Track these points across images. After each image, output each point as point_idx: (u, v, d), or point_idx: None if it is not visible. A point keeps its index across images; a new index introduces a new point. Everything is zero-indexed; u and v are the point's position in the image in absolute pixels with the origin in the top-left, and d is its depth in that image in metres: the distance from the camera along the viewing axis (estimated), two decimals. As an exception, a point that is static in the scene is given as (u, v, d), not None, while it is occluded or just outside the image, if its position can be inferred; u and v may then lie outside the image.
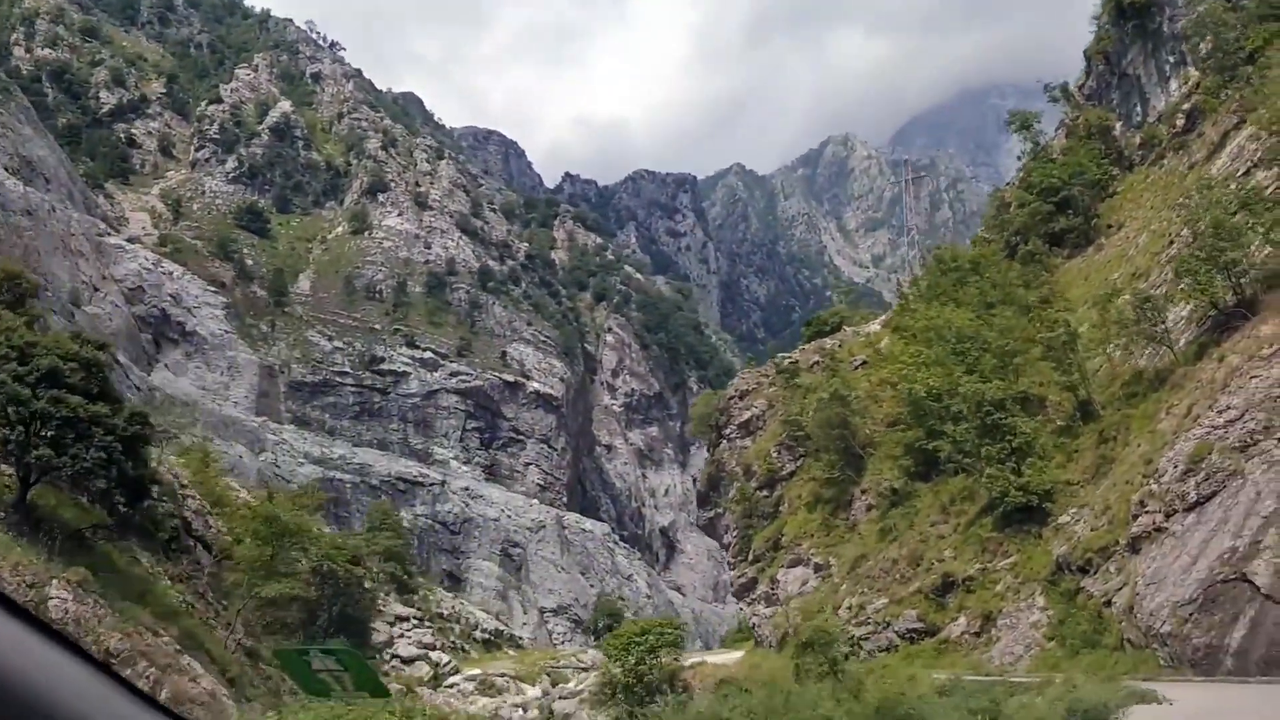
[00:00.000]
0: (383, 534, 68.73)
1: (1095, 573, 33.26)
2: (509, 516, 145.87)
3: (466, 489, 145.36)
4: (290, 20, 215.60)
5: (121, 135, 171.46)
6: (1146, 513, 32.08)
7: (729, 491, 53.36)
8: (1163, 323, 37.88)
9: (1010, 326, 42.72)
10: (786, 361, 56.94)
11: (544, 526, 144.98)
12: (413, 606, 66.49)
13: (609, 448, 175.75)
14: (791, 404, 49.66)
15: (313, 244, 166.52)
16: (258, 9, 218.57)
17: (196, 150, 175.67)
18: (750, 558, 49.90)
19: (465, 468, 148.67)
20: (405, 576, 67.79)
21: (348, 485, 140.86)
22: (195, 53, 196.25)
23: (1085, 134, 56.52)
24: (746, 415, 54.02)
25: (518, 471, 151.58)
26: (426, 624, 65.64)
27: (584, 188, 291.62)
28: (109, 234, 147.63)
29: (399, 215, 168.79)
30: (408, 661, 62.76)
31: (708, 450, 62.01)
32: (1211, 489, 30.26)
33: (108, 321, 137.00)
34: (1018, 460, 37.59)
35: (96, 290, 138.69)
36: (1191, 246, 35.86)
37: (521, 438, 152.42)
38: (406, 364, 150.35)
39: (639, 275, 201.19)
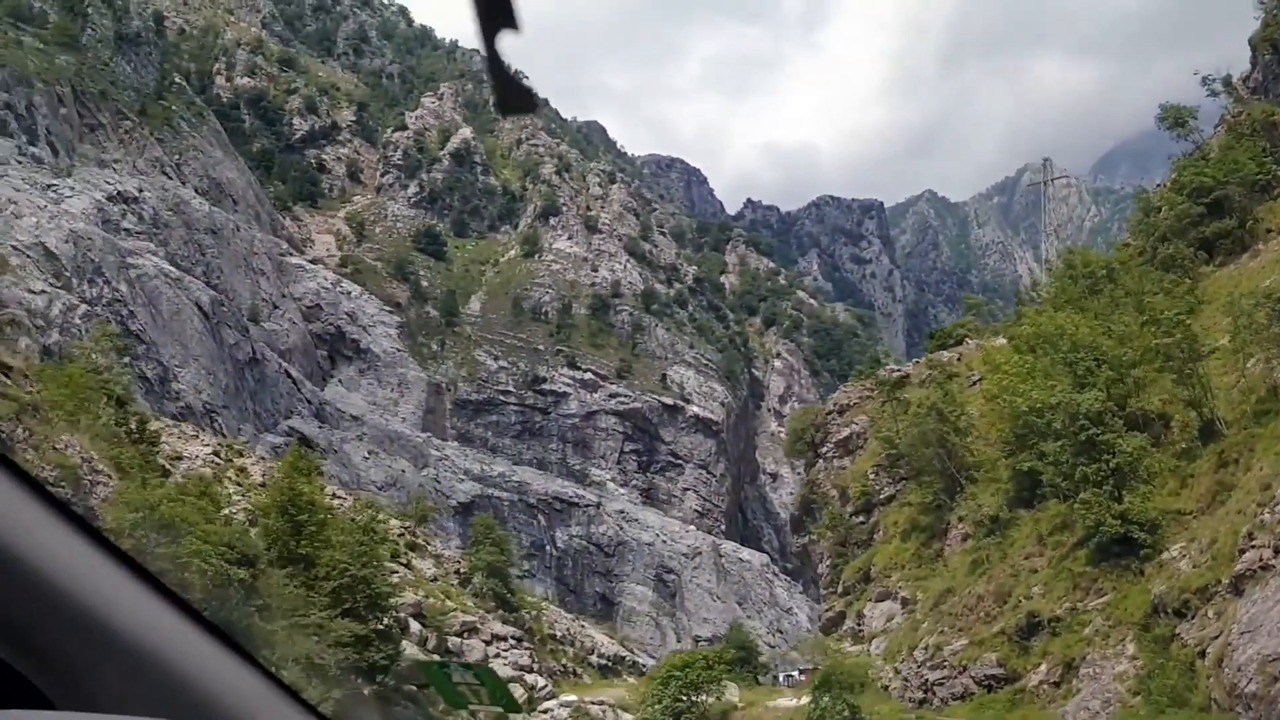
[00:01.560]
0: (485, 548, 66.87)
1: (1193, 617, 28.01)
2: (664, 542, 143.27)
3: (622, 512, 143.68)
4: (477, 51, 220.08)
5: (312, 160, 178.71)
6: (1254, 547, 26.77)
7: (823, 517, 49.10)
8: (1300, 327, 32.17)
9: (1130, 334, 37.30)
10: (895, 374, 52.20)
11: (700, 554, 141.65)
12: (513, 625, 64.24)
13: (774, 476, 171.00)
14: (892, 421, 45.13)
15: (486, 266, 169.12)
16: (447, 40, 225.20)
17: (381, 175, 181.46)
18: (840, 590, 45.59)
19: (622, 490, 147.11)
20: (508, 594, 65.63)
21: (505, 503, 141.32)
22: (386, 82, 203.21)
23: (1249, 130, 49.90)
24: (845, 433, 49.59)
25: (675, 496, 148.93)
26: (526, 645, 63.26)
27: (765, 214, 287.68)
28: (290, 254, 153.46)
29: (569, 238, 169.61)
30: (502, 682, 60.50)
31: (804, 470, 57.67)
32: (1330, 520, 24.85)
33: (285, 337, 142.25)
34: (1117, 485, 32.41)
35: (276, 308, 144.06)
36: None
37: (680, 462, 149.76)
38: (567, 384, 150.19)
39: (812, 300, 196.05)
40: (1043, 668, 31.58)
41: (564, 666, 69.97)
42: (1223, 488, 31.19)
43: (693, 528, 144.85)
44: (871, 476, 46.37)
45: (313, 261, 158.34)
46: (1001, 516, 38.46)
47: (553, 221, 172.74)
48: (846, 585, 45.22)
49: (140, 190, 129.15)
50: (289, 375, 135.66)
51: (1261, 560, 26.20)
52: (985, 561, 37.53)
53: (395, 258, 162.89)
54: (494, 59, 1.31)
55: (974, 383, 46.70)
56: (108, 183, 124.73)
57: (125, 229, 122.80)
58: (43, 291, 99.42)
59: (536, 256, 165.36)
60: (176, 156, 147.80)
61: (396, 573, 62.53)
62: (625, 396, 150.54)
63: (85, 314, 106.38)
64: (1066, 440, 33.97)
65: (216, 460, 60.74)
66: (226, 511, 53.43)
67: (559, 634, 75.10)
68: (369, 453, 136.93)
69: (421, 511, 73.43)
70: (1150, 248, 48.45)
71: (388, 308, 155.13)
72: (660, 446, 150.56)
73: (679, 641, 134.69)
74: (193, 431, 64.59)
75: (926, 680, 34.82)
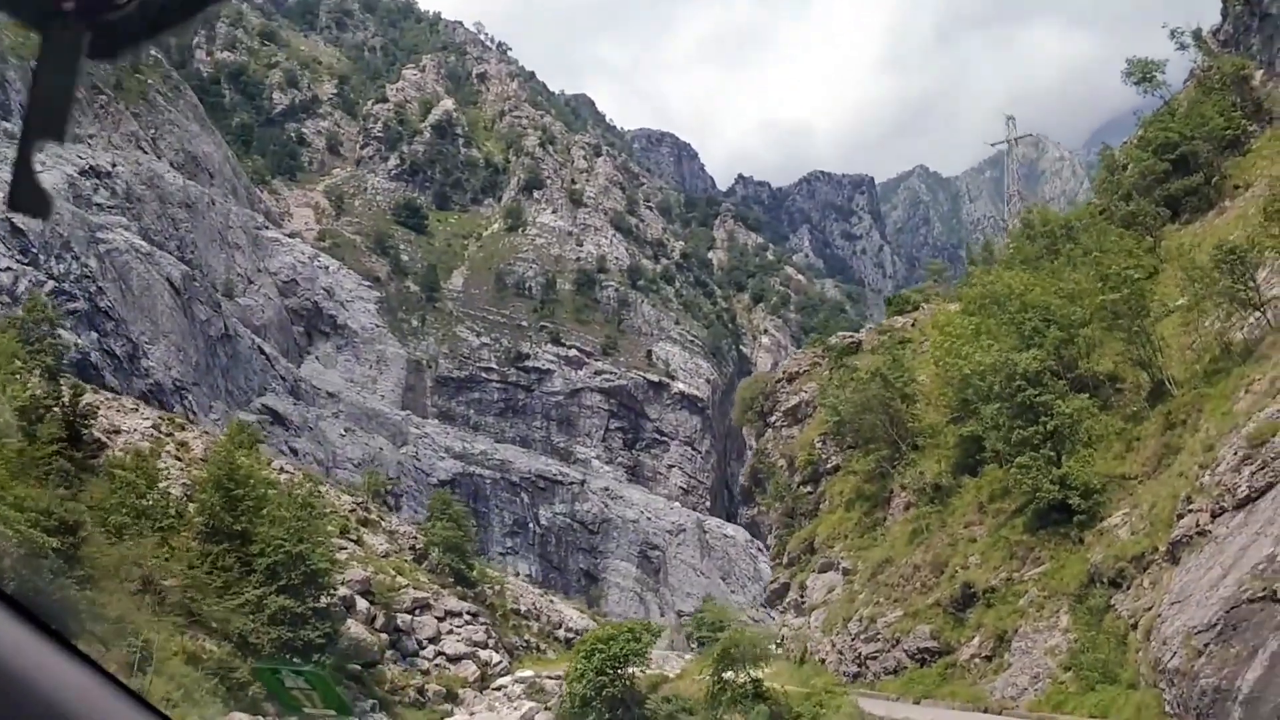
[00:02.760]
0: (442, 524, 65.06)
1: (1128, 588, 26.06)
2: (648, 519, 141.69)
3: (606, 489, 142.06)
4: (460, 23, 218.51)
5: (291, 134, 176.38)
6: (1191, 512, 24.81)
7: (770, 488, 47.10)
8: (1253, 281, 30.11)
9: (1080, 293, 35.21)
10: (847, 340, 50.13)
11: (684, 530, 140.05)
12: (469, 601, 62.50)
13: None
14: (839, 389, 43.11)
15: (468, 240, 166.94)
16: (430, 13, 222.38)
17: (361, 148, 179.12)
18: (785, 561, 43.72)
19: (607, 468, 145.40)
20: (465, 569, 63.82)
21: (487, 481, 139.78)
22: (369, 55, 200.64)
23: (1218, 84, 47.62)
24: (794, 401, 47.57)
25: (660, 473, 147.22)
26: (482, 620, 61.56)
27: (757, 189, 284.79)
28: (267, 227, 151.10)
29: (553, 212, 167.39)
30: (454, 660, 58.85)
31: (754, 440, 55.68)
32: (1268, 480, 22.87)
33: (260, 313, 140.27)
34: (1055, 448, 30.43)
35: (251, 283, 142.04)
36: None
37: (665, 439, 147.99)
38: (551, 361, 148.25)
39: (801, 276, 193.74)
40: (975, 641, 29.69)
41: (526, 642, 68.33)
42: (1169, 451, 29.22)
43: (677, 504, 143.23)
44: (818, 445, 44.36)
45: (290, 235, 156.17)
46: (944, 484, 36.49)
47: (536, 195, 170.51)
48: (791, 556, 43.36)
49: (114, 165, 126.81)
50: (262, 352, 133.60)
51: (1198, 525, 24.25)
52: (925, 531, 35.58)
53: (375, 232, 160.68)
54: (24, 157, 1.26)
55: (939, 356, 44.69)
56: (80, 157, 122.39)
57: (97, 204, 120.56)
58: (8, 268, 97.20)
59: (520, 231, 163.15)
60: (152, 131, 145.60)
61: (345, 549, 60.86)
62: (610, 374, 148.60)
63: (53, 290, 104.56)
64: (1004, 403, 31.96)
65: (156, 434, 58.85)
66: (163, 485, 51.81)
67: (523, 609, 73.48)
68: (346, 430, 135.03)
69: (375, 486, 71.62)
70: (1113, 206, 46.29)
71: (366, 282, 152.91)
72: (645, 424, 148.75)
73: (662, 616, 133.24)
74: (132, 405, 62.54)
75: (860, 653, 32.98)
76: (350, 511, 65.08)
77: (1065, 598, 27.74)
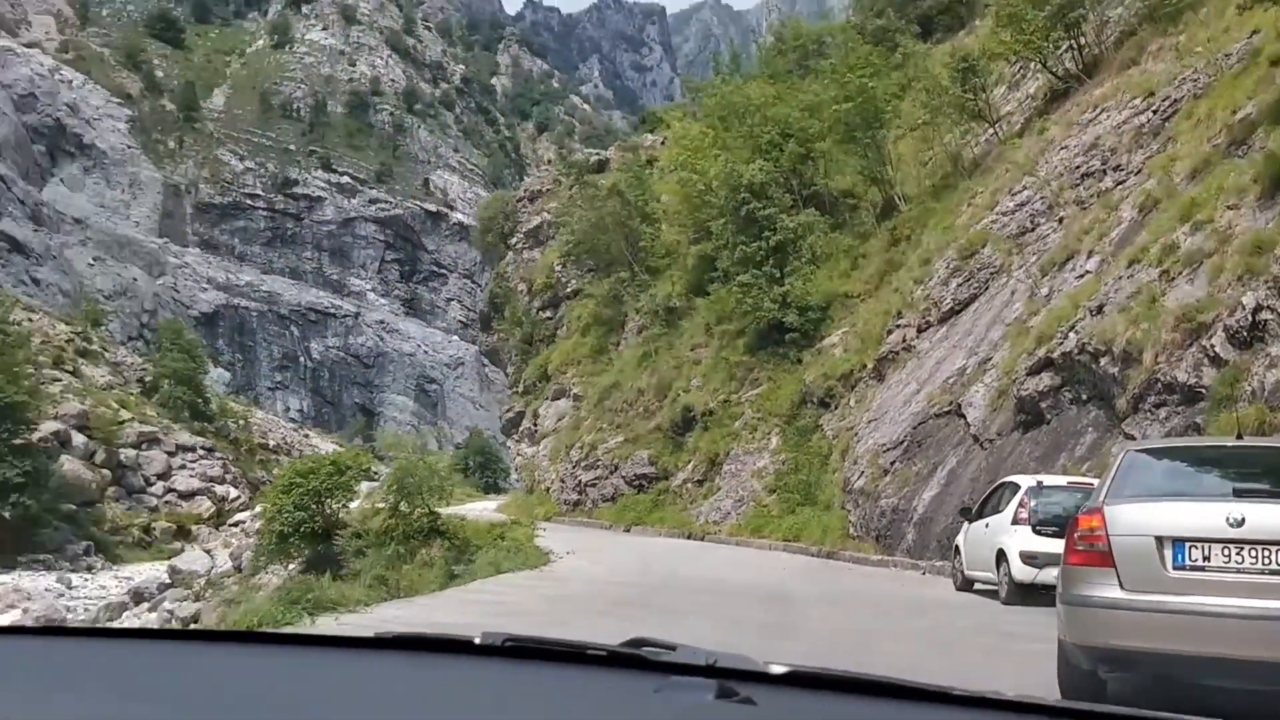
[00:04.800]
0: (172, 355, 60.37)
1: (835, 407, 25.05)
2: (426, 352, 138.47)
3: (381, 322, 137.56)
4: None
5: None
6: (900, 328, 23.72)
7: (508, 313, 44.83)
8: (983, 91, 28.90)
9: (819, 104, 33.44)
10: (594, 158, 47.53)
11: (463, 363, 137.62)
12: (207, 436, 58.66)
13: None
14: (578, 208, 40.68)
15: (230, 57, 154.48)
16: None
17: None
18: (521, 389, 41.86)
19: (383, 301, 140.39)
20: (200, 402, 59.68)
21: (253, 313, 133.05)
22: None
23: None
24: (536, 222, 45.00)
25: (439, 307, 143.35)
26: (218, 455, 57.96)
27: (546, 15, 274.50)
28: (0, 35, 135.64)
29: (324, 29, 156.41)
30: (186, 496, 55.32)
31: (493, 264, 53.20)
32: (971, 292, 21.84)
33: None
34: (778, 266, 28.97)
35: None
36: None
37: (443, 271, 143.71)
38: (322, 188, 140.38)
39: (587, 106, 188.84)
40: (690, 465, 28.51)
41: (274, 477, 65.34)
42: (892, 268, 28.13)
43: (456, 337, 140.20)
44: (559, 269, 42.09)
45: (29, 46, 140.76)
46: (677, 306, 34.88)
47: (305, 10, 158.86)
48: (527, 384, 41.45)
49: None
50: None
51: (905, 341, 23.22)
52: (653, 355, 34.06)
53: (126, 45, 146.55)
54: None
55: (676, 170, 42.58)
56: None
57: None
58: None
59: (287, 48, 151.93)
60: None
61: (60, 380, 55.82)
62: (385, 203, 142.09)
63: None
64: (729, 218, 30.18)
65: None
66: None
67: (272, 444, 70.04)
68: (94, 259, 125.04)
69: (93, 315, 65.80)
70: (867, 23, 44.61)
71: (116, 100, 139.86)
72: (423, 255, 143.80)
73: (440, 449, 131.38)
74: None
75: (581, 481, 31.53)
76: (67, 341, 59.50)
77: (778, 419, 26.65)
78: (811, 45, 43.22)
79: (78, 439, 52.61)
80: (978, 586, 14.25)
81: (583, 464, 31.74)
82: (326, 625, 10.38)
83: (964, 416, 18.01)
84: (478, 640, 1.92)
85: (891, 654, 8.66)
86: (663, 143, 44.81)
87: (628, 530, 27.98)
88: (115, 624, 33.21)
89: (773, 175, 29.99)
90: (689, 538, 25.36)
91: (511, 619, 10.39)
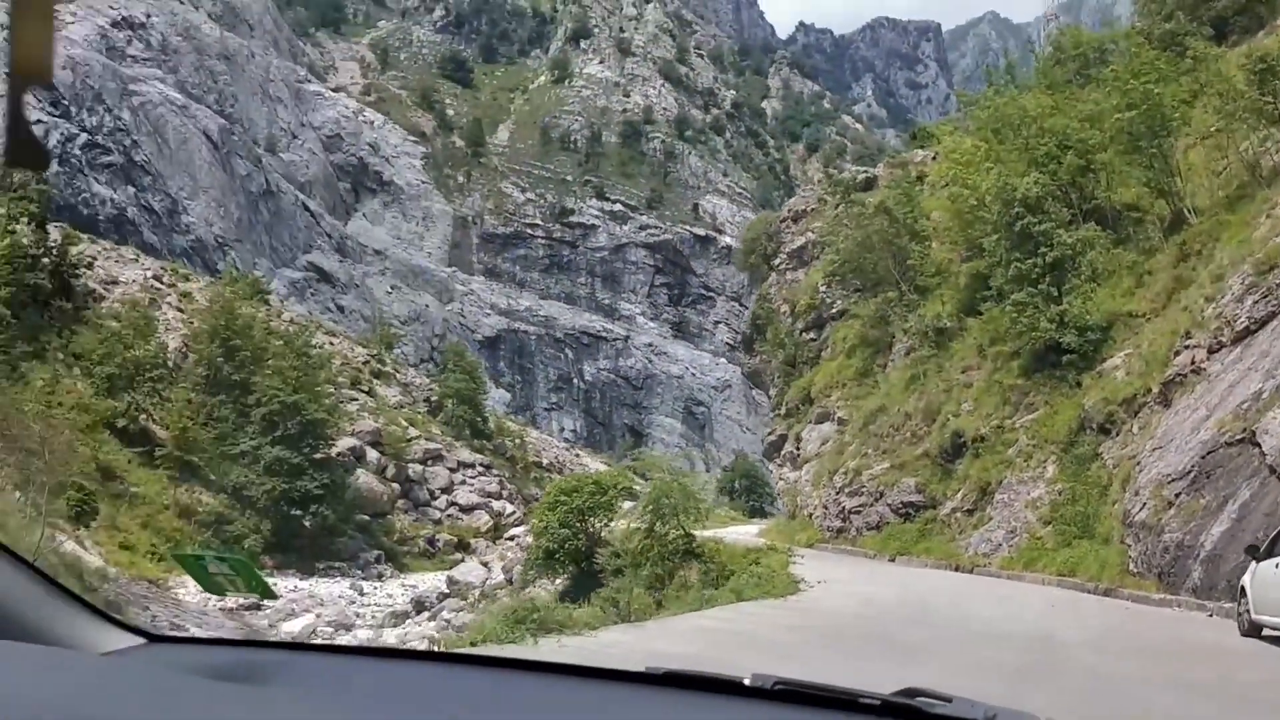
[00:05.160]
0: (455, 375, 63.76)
1: (1116, 434, 23.39)
2: (693, 374, 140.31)
3: (650, 345, 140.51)
4: None
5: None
6: (1188, 348, 21.94)
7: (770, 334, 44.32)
8: (1287, 93, 26.40)
9: (1100, 113, 31.53)
10: (861, 176, 46.42)
11: (730, 386, 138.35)
12: (485, 453, 61.52)
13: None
14: (844, 226, 39.91)
15: (514, 94, 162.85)
16: None
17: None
18: (784, 411, 41.39)
19: (652, 324, 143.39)
20: (480, 421, 62.72)
21: (531, 337, 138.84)
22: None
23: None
24: (800, 242, 44.41)
25: (706, 329, 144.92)
26: (495, 472, 60.63)
27: (819, 37, 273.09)
28: (309, 81, 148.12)
29: (600, 63, 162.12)
30: (466, 510, 58.14)
31: (757, 285, 52.76)
32: (1270, 310, 19.92)
33: (304, 169, 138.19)
34: (1055, 283, 27.41)
35: (295, 138, 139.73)
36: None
37: (711, 295, 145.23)
38: (596, 216, 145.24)
39: (859, 125, 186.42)
40: (959, 494, 27.34)
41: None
42: (1180, 285, 26.08)
43: (723, 360, 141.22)
44: (823, 289, 41.47)
45: (336, 90, 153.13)
46: (947, 327, 33.61)
47: (584, 45, 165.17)
48: (790, 407, 40.98)
49: (148, 16, 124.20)
50: (307, 208, 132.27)
51: (1194, 363, 21.41)
52: (921, 377, 32.91)
53: (420, 86, 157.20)
54: (15, 109, 1.28)
55: (948, 186, 41.18)
56: (112, 8, 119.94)
57: (131, 56, 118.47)
58: (39, 121, 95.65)
59: (566, 82, 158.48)
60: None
61: (356, 400, 59.97)
62: (655, 228, 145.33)
63: (85, 143, 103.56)
64: (1002, 234, 28.85)
65: (157, 285, 57.64)
66: (162, 337, 50.79)
67: (545, 462, 72.68)
68: (392, 287, 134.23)
69: (387, 338, 70.37)
70: (1154, 28, 41.75)
71: (412, 138, 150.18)
72: (691, 279, 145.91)
73: (708, 472, 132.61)
74: (132, 255, 61.31)
75: (845, 508, 30.85)
76: (363, 363, 64.06)
77: (1054, 446, 25.17)
78: (1093, 53, 40.82)
79: (371, 454, 56.45)
80: (1266, 632, 12.88)
81: (846, 490, 31.08)
82: (549, 648, 10.45)
83: (1259, 445, 16.38)
84: (747, 681, 1.90)
85: (1160, 708, 7.88)
86: (933, 158, 43.47)
87: (892, 560, 27.12)
88: (397, 631, 35.24)
89: (1049, 189, 28.48)
90: (956, 570, 24.30)
91: (738, 651, 10.15)
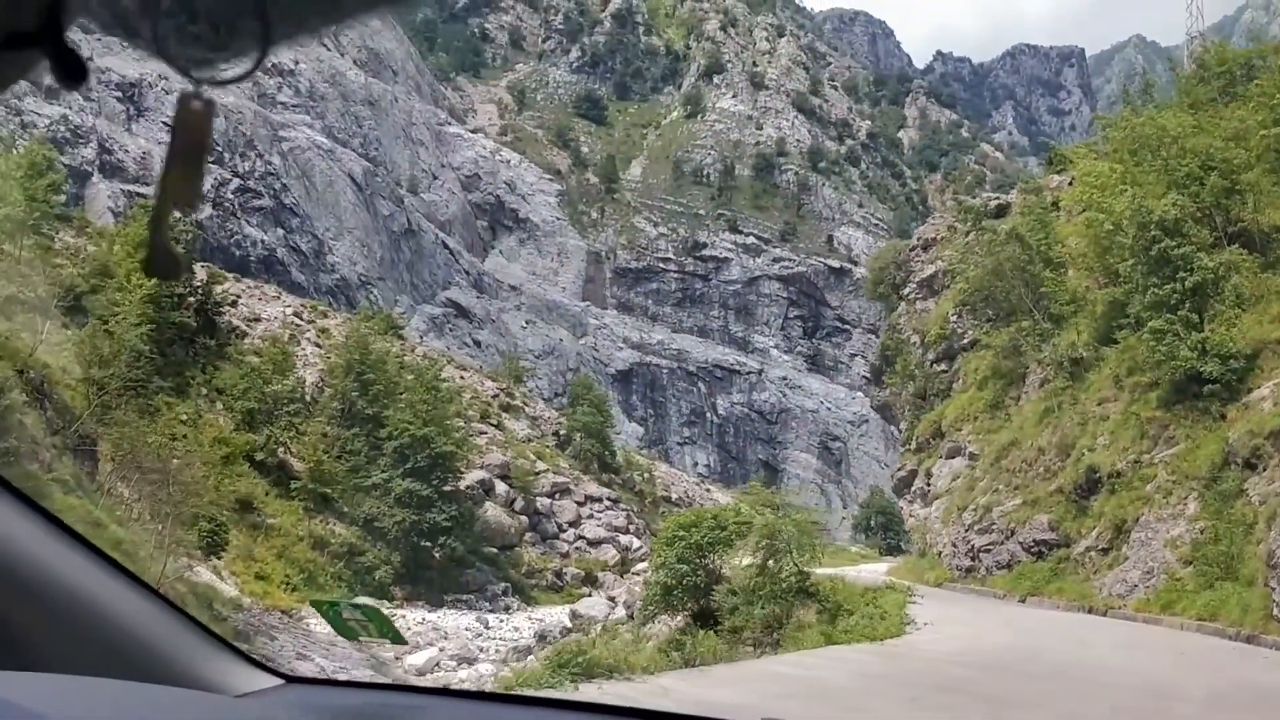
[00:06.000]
0: (583, 409, 64.00)
1: (1263, 469, 21.86)
2: (829, 409, 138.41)
3: (784, 379, 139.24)
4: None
5: (475, 29, 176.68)
6: (1344, 378, 20.40)
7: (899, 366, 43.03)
8: None
9: (1245, 131, 29.88)
10: (994, 202, 44.86)
11: (866, 420, 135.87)
12: (615, 487, 61.52)
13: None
14: (974, 254, 38.62)
15: (647, 130, 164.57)
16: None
17: (543, 41, 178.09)
18: (914, 446, 40.13)
19: (785, 357, 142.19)
20: (608, 455, 62.81)
21: (664, 371, 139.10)
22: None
23: None
24: (930, 271, 43.13)
25: (841, 363, 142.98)
26: (622, 506, 60.51)
27: (956, 66, 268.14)
28: (449, 124, 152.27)
29: (733, 97, 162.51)
30: (594, 544, 58.15)
31: (885, 315, 51.35)
32: None
33: (444, 208, 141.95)
34: (1197, 309, 25.91)
35: (435, 178, 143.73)
36: None
37: (846, 327, 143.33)
38: (728, 249, 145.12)
39: (998, 154, 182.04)
40: (1094, 532, 25.95)
41: (672, 530, 67.44)
42: (1337, 309, 24.42)
43: (859, 394, 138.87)
44: (954, 319, 40.19)
45: (475, 131, 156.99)
46: (1082, 357, 32.14)
47: (717, 80, 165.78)
48: (920, 441, 39.73)
49: (296, 63, 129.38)
50: (446, 246, 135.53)
51: (1350, 393, 19.91)
52: (1055, 409, 31.48)
53: (556, 125, 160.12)
54: (158, 226, 1.35)
55: (1084, 211, 39.55)
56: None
57: (280, 102, 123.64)
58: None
59: (699, 117, 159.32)
60: (334, 28, 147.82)
61: (485, 433, 60.63)
62: (789, 260, 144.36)
63: (238, 188, 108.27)
64: (1139, 259, 27.45)
65: (298, 321, 59.51)
66: (300, 372, 52.35)
67: (674, 496, 72.27)
68: (527, 322, 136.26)
69: (516, 372, 71.10)
70: (1308, 40, 39.57)
71: (548, 176, 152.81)
72: (826, 311, 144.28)
73: (845, 509, 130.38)
74: (274, 293, 63.45)
75: (974, 546, 29.63)
76: (493, 397, 64.89)
77: (1195, 482, 23.68)
78: (1239, 69, 38.82)
79: (500, 487, 56.94)
80: None
81: (975, 527, 29.87)
82: (589, 691, 9.99)
83: None
84: None
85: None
86: (1069, 183, 41.89)
87: (1022, 601, 25.88)
88: (521, 666, 35.09)
89: (1189, 210, 27.01)
90: (1089, 611, 22.99)
91: (796, 701, 9.52)
